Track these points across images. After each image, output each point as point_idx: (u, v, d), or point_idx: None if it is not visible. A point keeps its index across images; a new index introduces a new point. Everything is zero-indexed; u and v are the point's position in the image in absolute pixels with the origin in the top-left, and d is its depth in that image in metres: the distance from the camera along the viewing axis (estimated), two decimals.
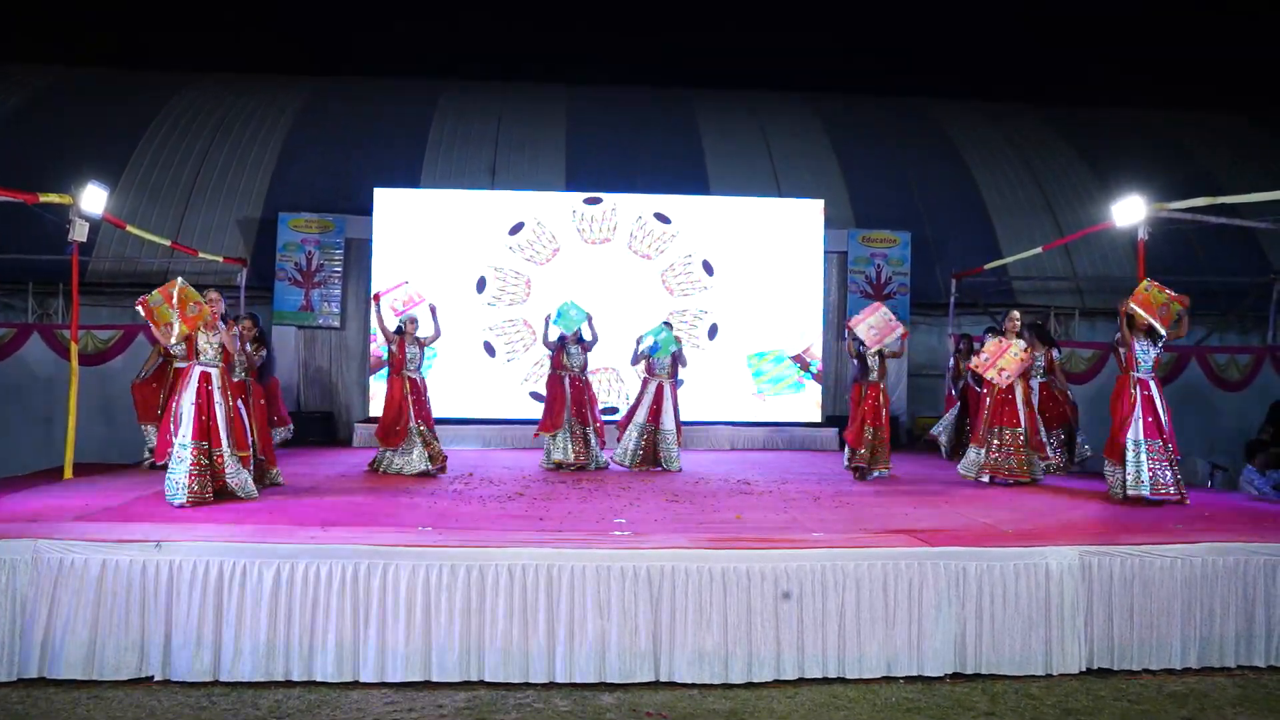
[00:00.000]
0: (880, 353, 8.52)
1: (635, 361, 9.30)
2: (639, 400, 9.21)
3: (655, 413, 9.12)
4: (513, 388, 11.81)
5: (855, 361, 8.81)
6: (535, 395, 11.56)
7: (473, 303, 11.85)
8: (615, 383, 11.83)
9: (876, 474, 8.46)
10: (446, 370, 11.46)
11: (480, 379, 11.74)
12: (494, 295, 11.93)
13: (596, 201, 12.10)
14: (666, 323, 9.36)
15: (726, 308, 12.06)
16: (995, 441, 8.07)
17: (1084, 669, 4.97)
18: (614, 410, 11.28)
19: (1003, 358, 7.98)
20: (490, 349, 11.87)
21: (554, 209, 12.08)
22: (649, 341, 9.05)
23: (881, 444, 8.55)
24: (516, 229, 11.97)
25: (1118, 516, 6.30)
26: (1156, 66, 19.68)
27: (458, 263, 11.87)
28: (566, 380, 9.07)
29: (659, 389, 9.16)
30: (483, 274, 11.91)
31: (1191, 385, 11.60)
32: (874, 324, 8.42)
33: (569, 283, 11.83)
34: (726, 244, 12.16)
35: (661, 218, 12.13)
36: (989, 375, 8.03)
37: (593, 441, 9.07)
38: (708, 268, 12.13)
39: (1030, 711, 4.49)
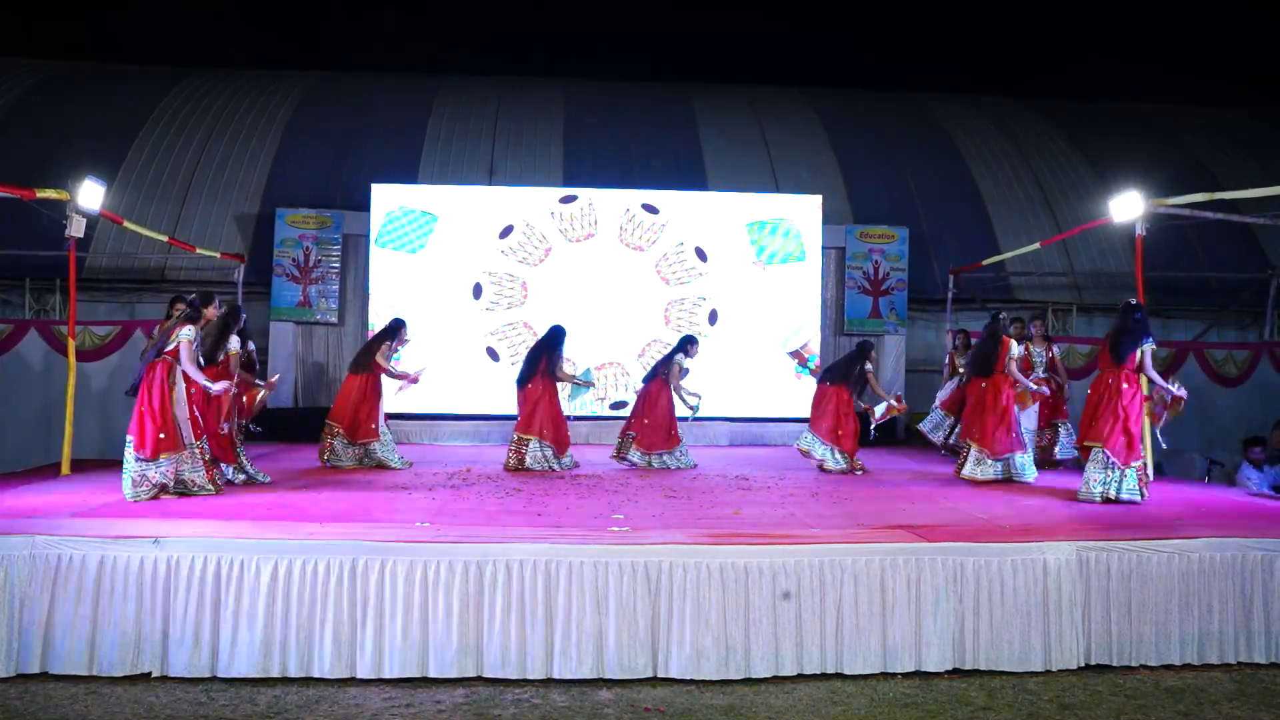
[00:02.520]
0: None
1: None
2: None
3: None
4: (497, 368, 11.78)
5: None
6: (490, 351, 11.74)
7: (470, 309, 11.83)
8: (621, 377, 11.87)
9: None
10: (450, 375, 11.44)
11: (485, 382, 11.68)
12: (491, 300, 11.91)
13: (572, 199, 12.06)
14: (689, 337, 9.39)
15: (724, 293, 12.04)
16: None
17: (1082, 664, 4.98)
18: (623, 404, 11.45)
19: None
20: (494, 354, 11.84)
21: (538, 208, 12.01)
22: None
23: None
24: (506, 232, 11.94)
25: (1114, 513, 6.31)
26: (1154, 60, 19.70)
27: (453, 269, 11.84)
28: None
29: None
30: (478, 280, 11.88)
31: (1189, 381, 11.54)
32: None
33: (564, 281, 11.85)
34: (717, 231, 12.14)
35: (649, 208, 12.10)
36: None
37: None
38: (700, 254, 12.12)
39: (1027, 707, 4.50)
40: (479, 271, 11.87)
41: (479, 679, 4.71)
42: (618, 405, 11.63)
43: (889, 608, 4.88)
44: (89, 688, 4.54)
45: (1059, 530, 5.50)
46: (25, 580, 4.68)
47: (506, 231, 11.92)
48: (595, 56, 20.08)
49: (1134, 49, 20.64)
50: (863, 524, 5.75)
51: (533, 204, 12.02)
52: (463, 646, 4.72)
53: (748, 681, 4.74)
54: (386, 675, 4.68)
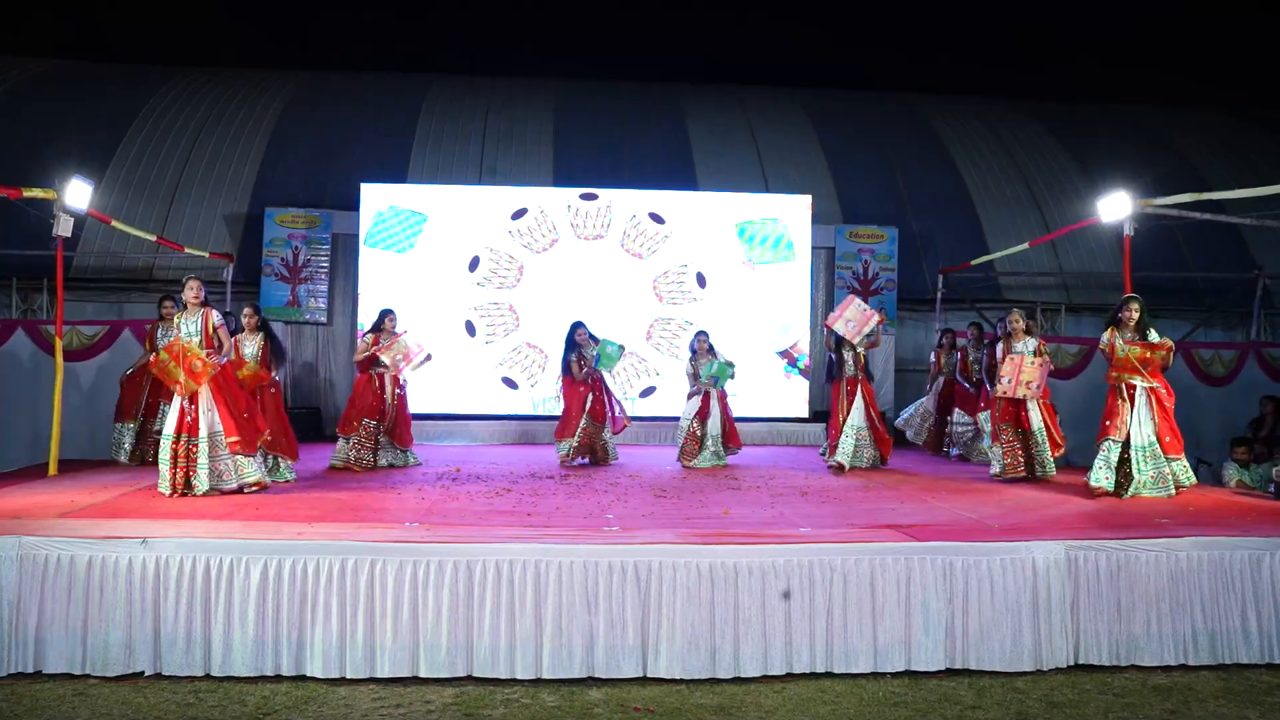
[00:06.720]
0: (856, 346, 8.71)
1: (695, 381, 9.27)
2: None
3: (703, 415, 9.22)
4: (487, 370, 11.82)
5: (832, 356, 8.88)
6: (507, 381, 11.80)
7: (462, 281, 11.86)
8: (639, 363, 12.00)
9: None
10: (441, 375, 11.42)
11: (455, 357, 11.65)
12: (485, 276, 11.93)
13: (592, 198, 12.10)
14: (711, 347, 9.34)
15: (713, 321, 11.97)
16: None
17: (1070, 663, 5.00)
18: (653, 390, 11.85)
19: (1023, 372, 7.80)
20: (471, 328, 11.86)
21: (555, 200, 12.14)
22: (709, 370, 9.12)
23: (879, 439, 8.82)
24: (519, 214, 12.01)
25: (1103, 512, 6.34)
26: (1143, 61, 19.81)
27: (453, 239, 11.88)
28: (581, 387, 9.09)
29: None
30: (477, 254, 11.92)
31: (1176, 381, 11.50)
32: (850, 317, 8.62)
33: (561, 275, 11.89)
34: (721, 253, 12.18)
35: (656, 217, 12.14)
36: (1020, 394, 7.78)
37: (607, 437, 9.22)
38: (701, 280, 12.16)
39: (1016, 705, 4.52)
40: (480, 246, 11.92)
41: (469, 679, 4.70)
42: (647, 392, 11.92)
43: (878, 607, 4.89)
44: (76, 688, 4.52)
45: (1048, 529, 5.53)
46: (13, 582, 4.66)
47: (519, 214, 11.99)
48: (586, 56, 20.11)
49: (1122, 48, 20.75)
50: (852, 524, 5.76)
51: (552, 194, 12.18)
52: (453, 646, 4.72)
53: (737, 681, 4.75)
54: (377, 675, 4.67)
